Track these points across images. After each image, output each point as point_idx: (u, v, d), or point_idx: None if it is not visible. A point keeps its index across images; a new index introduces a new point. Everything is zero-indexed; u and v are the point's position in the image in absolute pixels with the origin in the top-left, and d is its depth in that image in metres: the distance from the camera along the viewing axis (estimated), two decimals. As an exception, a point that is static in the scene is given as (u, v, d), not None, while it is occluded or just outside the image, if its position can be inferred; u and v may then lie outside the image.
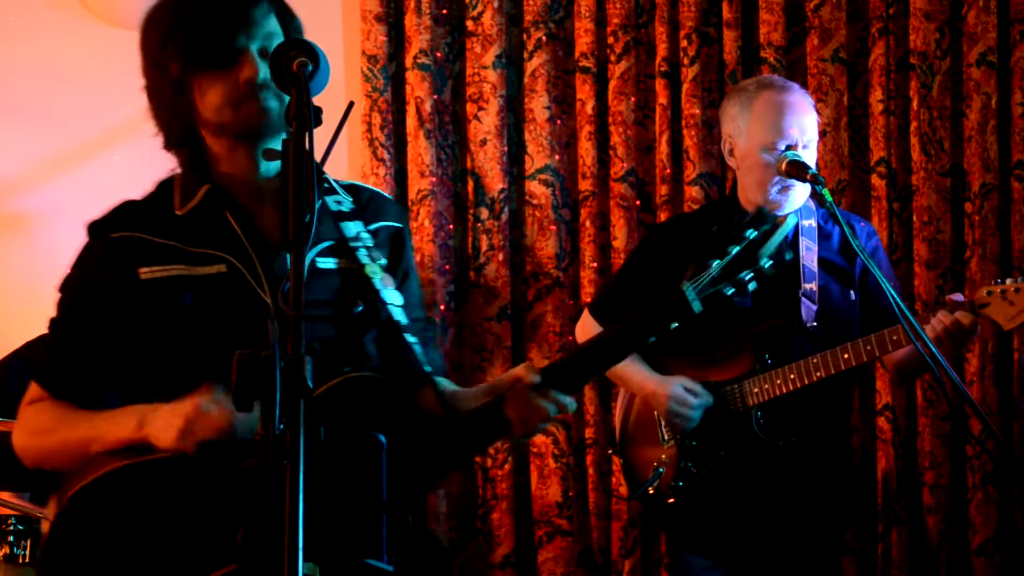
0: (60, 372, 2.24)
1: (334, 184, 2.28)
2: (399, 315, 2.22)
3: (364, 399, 2.12)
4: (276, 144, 2.15)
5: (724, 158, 3.44)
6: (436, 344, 2.41)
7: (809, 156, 3.28)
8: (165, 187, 2.29)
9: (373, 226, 2.28)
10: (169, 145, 2.27)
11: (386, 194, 2.41)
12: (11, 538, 3.49)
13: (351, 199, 2.28)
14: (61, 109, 4.59)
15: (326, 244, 2.21)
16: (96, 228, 2.27)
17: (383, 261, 2.24)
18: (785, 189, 3.27)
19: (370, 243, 2.24)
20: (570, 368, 2.20)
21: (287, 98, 2.00)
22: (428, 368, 2.22)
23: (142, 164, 4.56)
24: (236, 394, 1.73)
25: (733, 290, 2.16)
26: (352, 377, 2.13)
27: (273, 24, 2.18)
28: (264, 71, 2.11)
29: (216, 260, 2.17)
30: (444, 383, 2.34)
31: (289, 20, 2.22)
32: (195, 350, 2.15)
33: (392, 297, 2.23)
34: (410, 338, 2.22)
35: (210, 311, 2.15)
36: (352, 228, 2.24)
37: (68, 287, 2.27)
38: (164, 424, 2.05)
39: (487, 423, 2.16)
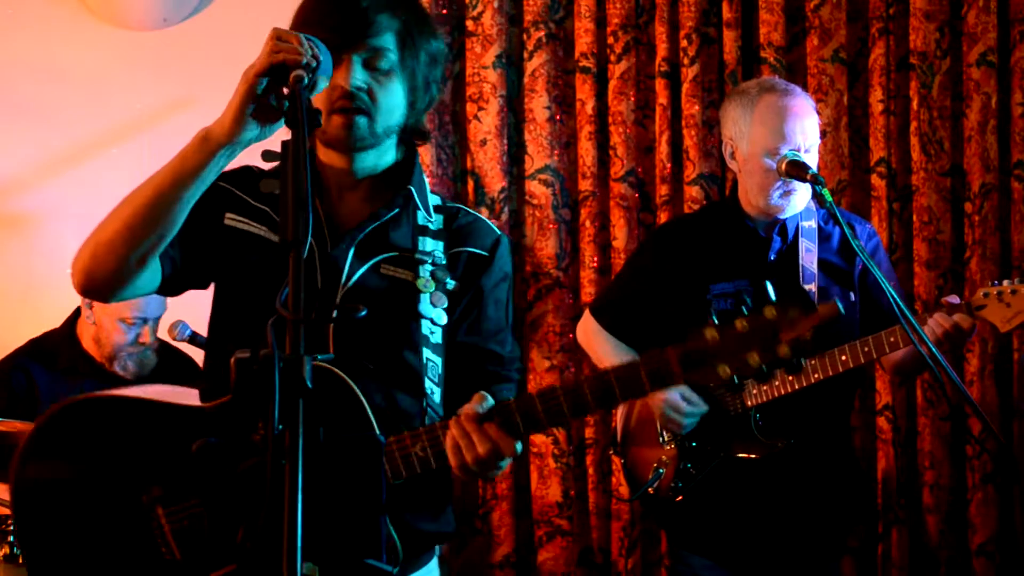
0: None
1: (425, 201, 2.28)
2: (428, 331, 2.22)
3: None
4: (368, 156, 2.21)
5: (725, 160, 3.43)
6: (514, 387, 2.31)
7: (810, 160, 3.27)
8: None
9: (456, 249, 2.28)
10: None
11: (491, 224, 2.36)
12: (11, 538, 3.49)
13: (443, 219, 2.29)
14: (61, 109, 4.60)
15: (393, 254, 2.23)
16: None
17: (449, 283, 2.25)
18: (787, 194, 3.25)
19: (442, 262, 2.25)
20: (530, 415, 2.01)
21: (384, 113, 2.11)
22: (432, 387, 2.21)
23: (142, 164, 4.59)
24: (236, 394, 1.73)
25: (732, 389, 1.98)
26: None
27: (388, 40, 2.18)
28: (358, 80, 2.14)
29: None
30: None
31: (417, 41, 2.23)
32: (253, 310, 2.15)
33: (431, 313, 2.23)
34: (429, 354, 2.21)
35: (275, 277, 2.15)
36: (429, 244, 2.26)
37: None
38: (223, 112, 2.02)
39: (425, 446, 2.08)
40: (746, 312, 1.88)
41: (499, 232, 2.35)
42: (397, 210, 2.24)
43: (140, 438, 2.17)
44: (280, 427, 1.68)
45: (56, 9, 4.62)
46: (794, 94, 3.30)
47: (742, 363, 1.87)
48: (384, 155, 2.26)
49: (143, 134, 4.60)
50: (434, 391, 2.22)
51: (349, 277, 2.20)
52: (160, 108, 4.58)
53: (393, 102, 2.18)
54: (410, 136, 2.29)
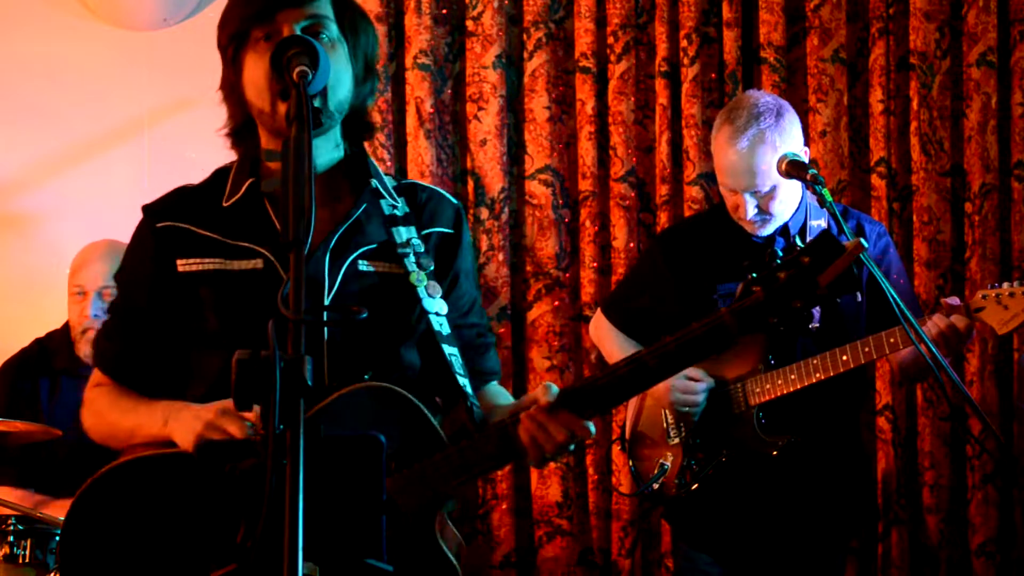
0: (116, 357, 2.29)
1: (386, 187, 2.27)
2: (439, 325, 2.21)
3: (376, 407, 2.11)
4: (321, 148, 2.17)
5: None
6: (493, 350, 2.38)
7: (771, 199, 3.24)
8: (221, 176, 2.29)
9: (426, 231, 2.27)
10: (230, 134, 2.26)
11: (445, 194, 2.36)
12: (11, 538, 3.49)
13: (405, 200, 2.27)
14: (61, 109, 4.59)
15: (370, 247, 2.20)
16: (147, 212, 2.28)
17: (431, 268, 2.24)
18: (748, 224, 3.28)
19: (420, 249, 2.23)
20: (595, 392, 2.06)
21: (333, 85, 2.07)
22: (464, 381, 2.21)
23: (142, 164, 4.59)
24: (236, 394, 1.73)
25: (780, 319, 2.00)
26: (368, 386, 2.12)
27: (325, 6, 2.16)
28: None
29: (253, 255, 2.18)
30: (497, 390, 2.35)
31: (356, 14, 2.21)
32: (219, 345, 2.15)
33: (435, 306, 2.22)
34: (448, 349, 2.20)
35: (239, 307, 2.16)
36: (403, 233, 2.23)
37: (122, 274, 2.34)
38: (185, 426, 2.10)
39: (498, 445, 2.11)
40: (782, 263, 1.97)
41: (455, 201, 2.35)
42: (365, 205, 2.22)
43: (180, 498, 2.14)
44: (280, 427, 1.68)
45: (56, 9, 4.61)
46: (740, 137, 3.24)
47: (788, 310, 1.97)
48: (335, 149, 2.22)
49: (143, 134, 4.59)
50: (466, 384, 2.21)
51: (331, 284, 2.16)
52: (160, 108, 4.58)
53: (340, 74, 2.13)
54: (356, 126, 2.24)
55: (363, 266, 2.19)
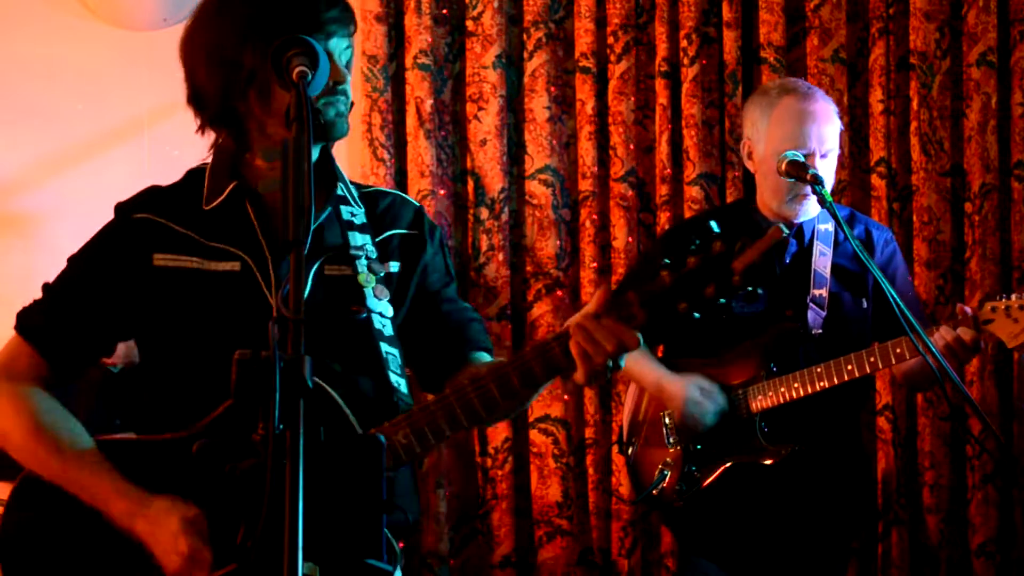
0: (51, 332, 2.24)
1: (352, 194, 2.28)
2: (380, 325, 2.22)
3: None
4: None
5: (743, 160, 3.41)
6: (483, 328, 2.38)
7: (828, 165, 3.24)
8: (195, 177, 2.29)
9: (383, 235, 2.29)
10: (210, 125, 2.25)
11: (407, 198, 2.38)
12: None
13: (364, 209, 2.29)
14: (61, 109, 4.59)
15: (329, 252, 2.21)
16: (121, 208, 2.27)
17: (385, 271, 2.25)
18: (801, 198, 3.23)
19: (373, 255, 2.24)
20: (637, 294, 1.95)
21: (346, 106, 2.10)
22: (397, 379, 2.22)
23: (142, 164, 4.59)
24: (236, 394, 1.73)
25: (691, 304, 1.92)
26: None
27: (347, 48, 2.18)
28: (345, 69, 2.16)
29: (231, 257, 2.18)
30: (488, 358, 2.33)
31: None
32: (196, 347, 2.16)
33: (379, 307, 2.22)
34: (385, 348, 2.20)
35: (216, 309, 2.16)
36: (358, 239, 2.24)
37: (79, 257, 2.28)
38: (167, 545, 2.07)
39: (544, 357, 2.04)
40: (695, 249, 1.91)
41: (416, 203, 2.37)
42: (329, 209, 2.23)
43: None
44: (280, 427, 1.68)
45: (56, 9, 4.61)
46: (814, 99, 3.27)
47: (699, 298, 1.90)
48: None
49: (143, 134, 4.59)
50: (399, 383, 2.22)
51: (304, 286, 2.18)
52: (160, 108, 4.57)
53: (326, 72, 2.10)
54: (321, 131, 2.22)
55: (327, 271, 2.21)
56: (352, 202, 2.27)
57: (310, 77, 1.90)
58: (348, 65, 2.18)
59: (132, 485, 2.12)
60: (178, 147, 4.41)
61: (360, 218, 2.27)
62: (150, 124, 4.59)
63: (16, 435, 2.20)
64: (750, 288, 1.88)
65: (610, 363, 1.99)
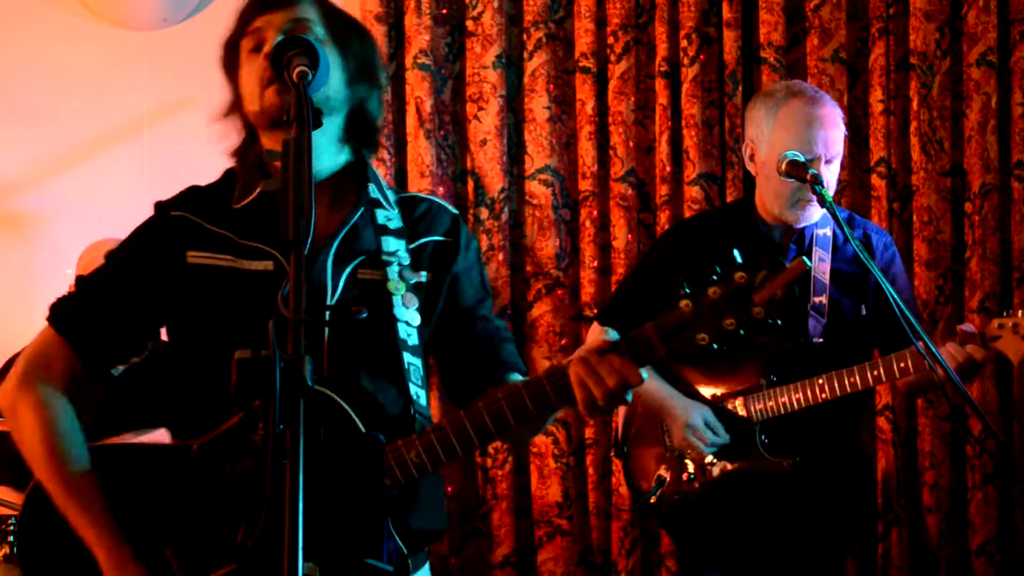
0: (83, 323, 2.22)
1: (386, 197, 2.27)
2: (405, 334, 2.19)
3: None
4: (320, 142, 2.16)
5: (744, 161, 3.38)
6: (513, 346, 2.35)
7: (832, 171, 3.21)
8: (230, 177, 2.29)
9: (417, 243, 2.27)
10: (234, 154, 2.27)
11: (445, 204, 2.34)
12: (11, 538, 3.49)
13: (401, 214, 2.27)
14: (61, 109, 4.59)
15: (364, 256, 2.20)
16: (160, 206, 2.27)
17: (417, 279, 2.23)
18: (804, 203, 3.20)
19: (405, 261, 2.22)
20: (646, 338, 1.92)
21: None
22: (417, 390, 2.20)
23: (142, 164, 4.59)
24: (236, 394, 1.73)
25: (710, 337, 1.88)
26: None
27: (308, 10, 2.18)
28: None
29: (265, 256, 2.17)
30: (519, 378, 2.30)
31: (343, 18, 2.25)
32: (227, 345, 2.13)
33: (406, 316, 2.20)
34: (408, 358, 2.19)
35: (248, 307, 2.14)
36: (392, 244, 2.23)
37: (115, 252, 2.28)
38: None
39: (551, 387, 2.02)
40: (716, 279, 1.87)
41: (453, 211, 2.34)
42: (363, 210, 2.22)
43: (137, 485, 2.15)
44: (280, 427, 1.68)
45: (56, 9, 4.61)
46: (820, 103, 3.23)
47: (719, 329, 1.87)
48: (339, 154, 2.22)
49: (143, 134, 4.60)
50: (419, 395, 2.20)
51: (335, 288, 2.16)
52: (160, 108, 4.58)
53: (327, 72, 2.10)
54: (357, 133, 2.24)
55: (360, 274, 2.20)
56: (387, 205, 2.26)
57: (310, 77, 1.90)
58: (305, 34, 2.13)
59: (115, 538, 2.11)
60: (178, 147, 4.41)
61: (395, 223, 2.25)
62: (150, 124, 4.59)
63: (29, 443, 2.20)
64: (770, 321, 1.84)
65: (621, 398, 1.95)
